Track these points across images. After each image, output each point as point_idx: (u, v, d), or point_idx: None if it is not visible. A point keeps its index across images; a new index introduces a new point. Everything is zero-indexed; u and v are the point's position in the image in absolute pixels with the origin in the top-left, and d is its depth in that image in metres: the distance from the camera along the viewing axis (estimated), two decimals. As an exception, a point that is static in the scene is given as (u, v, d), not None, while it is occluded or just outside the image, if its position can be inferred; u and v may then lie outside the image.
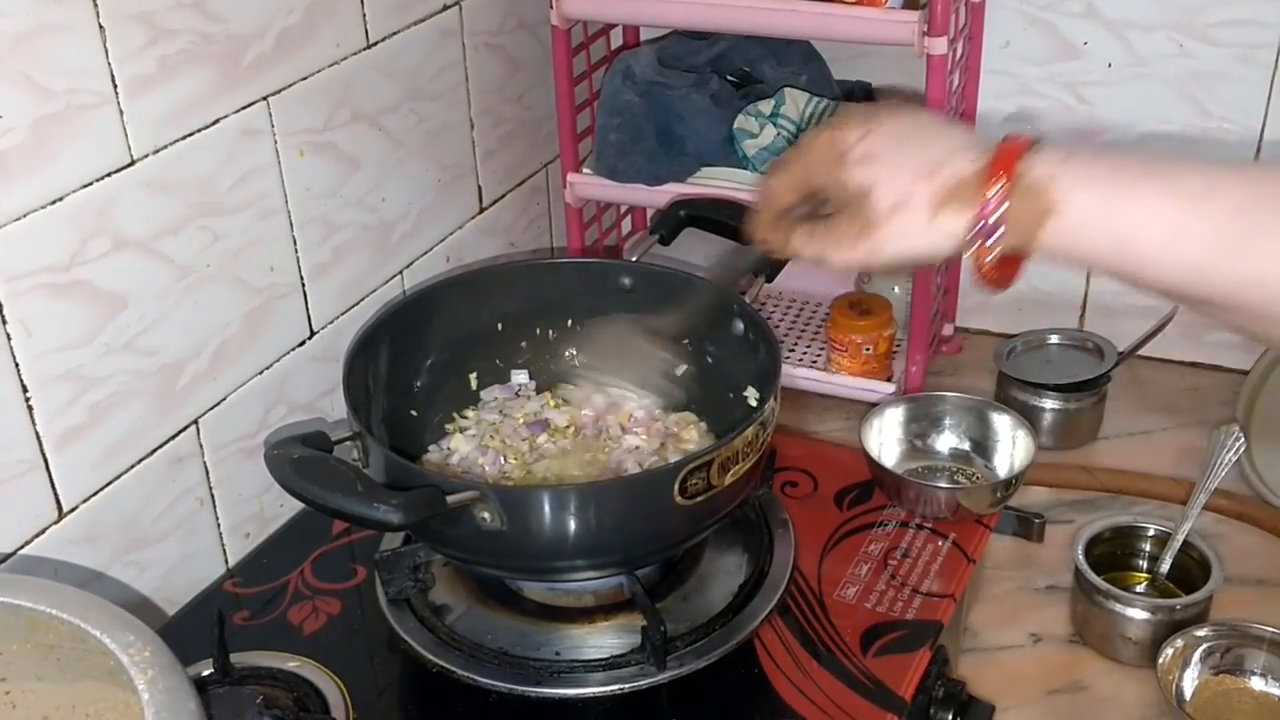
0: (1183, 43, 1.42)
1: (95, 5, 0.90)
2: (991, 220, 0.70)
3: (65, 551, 0.97)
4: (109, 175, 0.94)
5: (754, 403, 1.06)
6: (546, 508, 0.88)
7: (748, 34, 1.43)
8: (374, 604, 1.01)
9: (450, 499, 0.83)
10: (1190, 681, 1.10)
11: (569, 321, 1.17)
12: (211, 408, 1.08)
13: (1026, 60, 1.49)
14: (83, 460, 0.97)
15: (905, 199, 0.73)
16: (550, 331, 1.17)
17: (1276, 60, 1.39)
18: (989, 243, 0.70)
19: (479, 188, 1.42)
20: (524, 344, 1.17)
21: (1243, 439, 1.19)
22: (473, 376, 1.14)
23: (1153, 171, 0.67)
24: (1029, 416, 1.23)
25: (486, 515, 0.85)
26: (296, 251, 1.15)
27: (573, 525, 0.88)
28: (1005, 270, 0.73)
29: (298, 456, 0.83)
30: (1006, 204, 0.69)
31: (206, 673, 0.90)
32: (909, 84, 1.48)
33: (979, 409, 1.18)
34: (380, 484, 0.85)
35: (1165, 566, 1.19)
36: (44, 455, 0.93)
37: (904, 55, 1.27)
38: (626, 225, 1.71)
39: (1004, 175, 0.69)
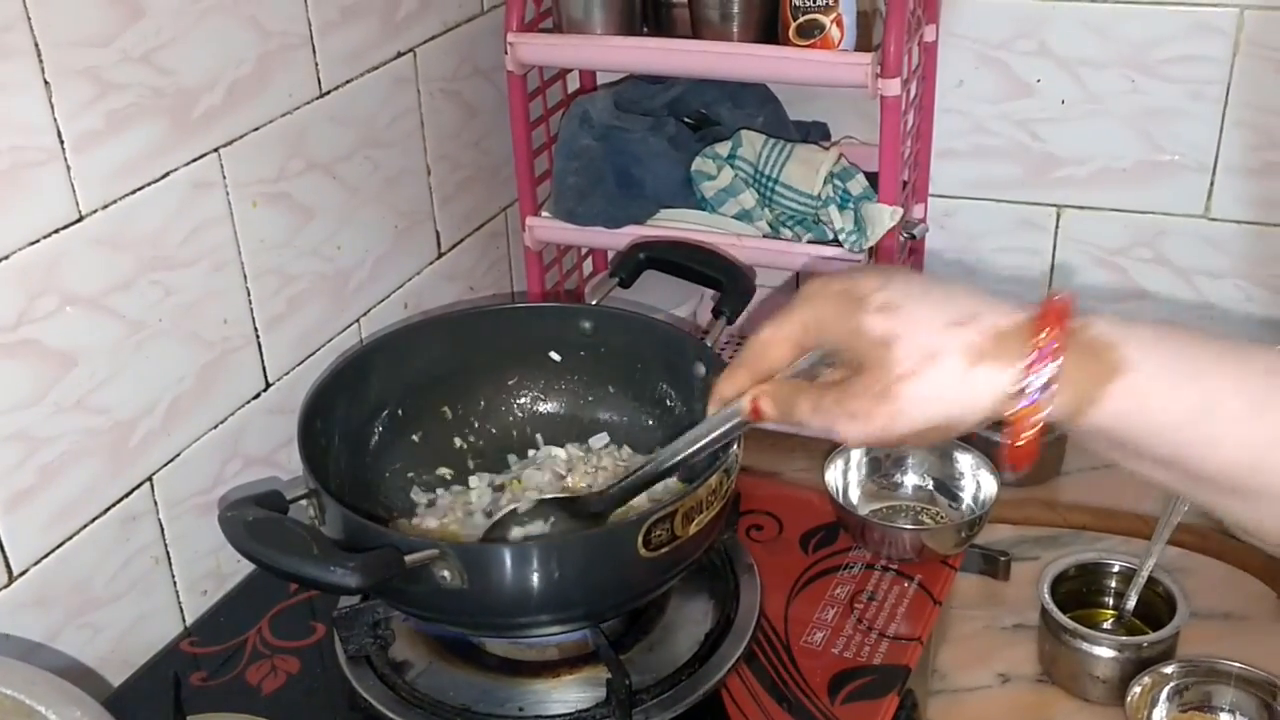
0: (1135, 79, 1.44)
1: (40, 61, 0.89)
2: (1043, 377, 0.61)
3: (16, 616, 0.94)
4: (57, 232, 0.92)
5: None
6: (508, 564, 0.86)
7: (703, 78, 1.44)
8: (333, 662, 0.99)
9: (408, 559, 0.81)
10: (1159, 719, 1.09)
11: (530, 367, 1.16)
12: (165, 464, 1.06)
13: (980, 99, 1.50)
14: (33, 522, 0.95)
15: (934, 352, 0.63)
16: (512, 378, 1.16)
17: (1226, 96, 1.41)
18: (1038, 401, 0.61)
19: (437, 233, 1.41)
20: (484, 391, 1.15)
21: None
22: (432, 427, 1.12)
23: (1220, 342, 0.61)
24: (991, 452, 1.23)
25: (447, 574, 0.83)
26: (250, 303, 1.13)
27: (535, 581, 0.86)
28: (1034, 445, 0.63)
29: (252, 519, 0.82)
30: (1061, 358, 0.61)
31: (162, 739, 0.88)
32: (865, 124, 1.49)
33: (941, 447, 1.18)
34: (337, 544, 0.83)
35: (1131, 603, 1.19)
36: (-8, 519, 0.91)
37: (859, 96, 1.28)
38: (588, 267, 1.70)
39: (1056, 327, 0.61)
